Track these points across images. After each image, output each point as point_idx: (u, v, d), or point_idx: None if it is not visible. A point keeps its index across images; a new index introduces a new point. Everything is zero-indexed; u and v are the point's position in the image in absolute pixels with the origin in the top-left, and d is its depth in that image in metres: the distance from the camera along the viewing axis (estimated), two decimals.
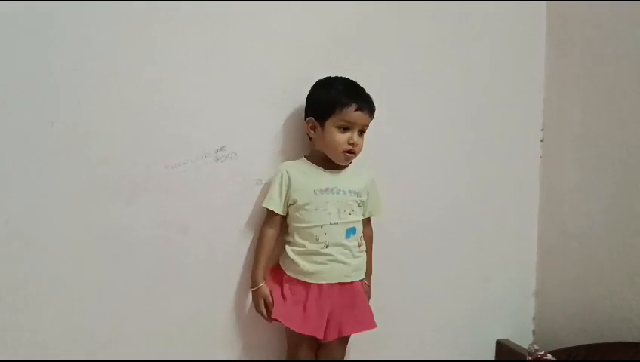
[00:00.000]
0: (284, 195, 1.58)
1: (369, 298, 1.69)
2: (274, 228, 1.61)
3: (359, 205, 1.62)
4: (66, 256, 1.51)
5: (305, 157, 1.64)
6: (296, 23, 1.70)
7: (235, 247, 1.67)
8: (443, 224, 1.97)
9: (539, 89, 2.07)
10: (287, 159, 1.66)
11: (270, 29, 1.67)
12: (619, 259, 1.76)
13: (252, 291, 1.61)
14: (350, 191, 1.59)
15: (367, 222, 1.69)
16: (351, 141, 1.55)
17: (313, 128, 1.59)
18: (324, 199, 1.56)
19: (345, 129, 1.55)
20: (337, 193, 1.58)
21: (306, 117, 1.61)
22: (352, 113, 1.53)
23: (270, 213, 1.60)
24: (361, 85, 1.61)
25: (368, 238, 1.70)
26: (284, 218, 1.62)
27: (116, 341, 1.57)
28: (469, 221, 2.01)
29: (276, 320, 1.57)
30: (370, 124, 1.61)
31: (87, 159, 1.50)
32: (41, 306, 1.49)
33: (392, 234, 1.82)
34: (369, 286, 1.70)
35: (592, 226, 1.87)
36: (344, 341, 1.64)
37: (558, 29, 2.01)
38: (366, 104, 1.56)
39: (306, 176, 1.58)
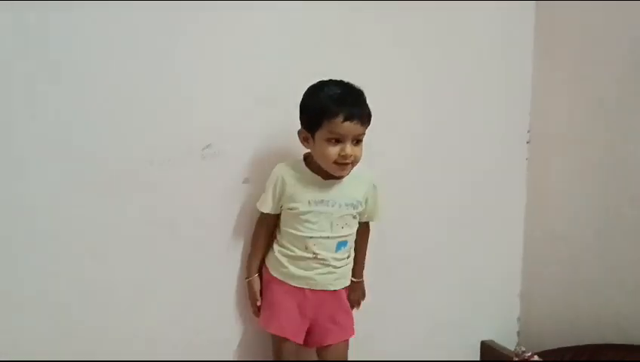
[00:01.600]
0: (277, 199, 1.53)
1: (364, 295, 1.70)
2: (268, 226, 1.59)
3: (354, 217, 1.56)
4: (48, 256, 1.45)
5: (305, 158, 1.56)
6: (286, 19, 1.67)
7: (223, 246, 1.64)
8: (428, 225, 1.96)
9: (525, 90, 2.07)
10: (276, 158, 1.61)
11: (260, 26, 1.63)
12: (605, 261, 1.77)
13: (247, 281, 1.63)
14: (347, 205, 1.53)
15: (365, 224, 1.65)
16: (342, 153, 1.42)
17: (306, 140, 1.49)
18: (317, 211, 1.50)
19: (336, 140, 1.42)
20: (333, 206, 1.51)
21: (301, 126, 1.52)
22: (341, 125, 1.39)
23: (263, 215, 1.57)
24: (356, 87, 1.48)
25: (364, 236, 1.66)
26: (277, 216, 1.58)
27: (103, 342, 1.53)
28: (454, 222, 2.01)
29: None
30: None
31: (70, 156, 1.45)
32: (23, 307, 1.44)
33: (378, 236, 1.79)
34: (361, 282, 1.69)
35: (578, 228, 1.88)
36: (344, 351, 1.62)
37: (545, 30, 2.01)
38: (356, 111, 1.41)
39: (302, 184, 1.51)
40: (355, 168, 1.55)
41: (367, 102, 1.50)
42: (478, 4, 1.93)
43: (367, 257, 1.71)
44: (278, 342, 1.58)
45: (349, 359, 1.65)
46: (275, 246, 1.58)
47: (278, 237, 1.58)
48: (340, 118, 1.39)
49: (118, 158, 1.50)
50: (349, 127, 1.41)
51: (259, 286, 1.59)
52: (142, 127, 1.52)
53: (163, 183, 1.55)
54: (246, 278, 1.62)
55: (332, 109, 1.40)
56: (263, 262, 1.61)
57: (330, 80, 1.49)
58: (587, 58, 1.87)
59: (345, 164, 1.45)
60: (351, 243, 1.59)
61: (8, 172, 1.40)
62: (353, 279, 1.65)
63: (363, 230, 1.65)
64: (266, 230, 1.59)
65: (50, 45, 1.41)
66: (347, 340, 1.62)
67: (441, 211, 1.97)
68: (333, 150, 1.42)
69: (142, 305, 1.57)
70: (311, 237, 1.51)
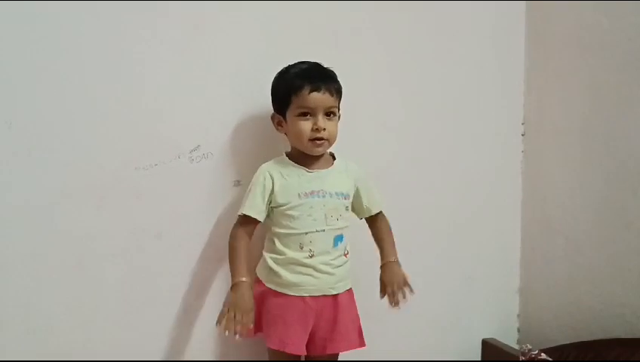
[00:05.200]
0: (267, 198, 1.44)
1: (402, 275, 1.53)
2: (249, 234, 1.45)
3: (347, 209, 1.51)
4: (28, 268, 1.39)
5: (286, 154, 1.51)
6: (271, 16, 1.61)
7: (212, 254, 1.57)
8: (424, 222, 1.91)
9: (519, 81, 2.03)
10: (267, 158, 1.55)
11: (245, 23, 1.58)
12: (607, 254, 1.73)
13: (234, 289, 1.38)
14: (337, 194, 1.48)
15: (378, 217, 1.59)
16: (315, 127, 1.41)
17: (279, 124, 1.48)
18: (309, 204, 1.44)
19: (306, 114, 1.41)
20: (323, 196, 1.45)
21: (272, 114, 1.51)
22: (307, 96, 1.39)
23: (246, 219, 1.44)
24: (324, 66, 1.47)
25: (387, 227, 1.59)
26: (257, 225, 1.46)
27: (89, 354, 1.46)
28: (450, 218, 1.96)
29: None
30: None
31: (50, 163, 1.39)
32: (6, 322, 1.38)
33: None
34: (394, 262, 1.55)
35: (577, 220, 1.84)
36: (334, 358, 1.55)
37: (538, 20, 1.97)
38: (322, 83, 1.41)
39: (289, 178, 1.45)
40: (339, 160, 1.53)
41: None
42: None
43: (362, 258, 1.63)
44: (277, 359, 1.49)
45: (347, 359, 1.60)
46: (266, 255, 1.48)
47: (269, 243, 1.49)
48: (307, 90, 1.40)
49: (101, 165, 1.45)
50: (317, 97, 1.41)
51: (251, 295, 1.38)
52: (126, 131, 1.47)
53: (149, 190, 1.50)
54: (235, 283, 1.38)
55: (298, 83, 1.41)
56: (249, 266, 1.45)
57: (296, 62, 1.47)
58: (580, 46, 1.83)
59: (319, 139, 1.42)
60: (347, 239, 1.51)
61: None
62: (389, 260, 1.55)
63: (383, 224, 1.59)
64: (247, 239, 1.44)
65: (27, 49, 1.35)
66: (335, 357, 1.55)
67: (437, 208, 1.93)
68: (306, 125, 1.42)
69: (130, 316, 1.51)
70: (306, 233, 1.43)
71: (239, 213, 1.45)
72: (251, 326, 1.36)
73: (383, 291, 1.51)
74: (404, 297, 1.50)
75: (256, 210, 1.43)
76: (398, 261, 1.56)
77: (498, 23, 1.99)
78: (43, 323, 1.42)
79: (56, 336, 1.43)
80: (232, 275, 1.41)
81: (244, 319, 1.34)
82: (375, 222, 1.60)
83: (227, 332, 1.33)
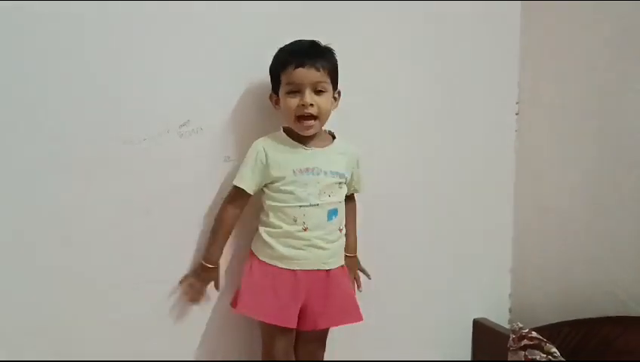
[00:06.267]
0: (257, 174, 1.45)
1: (360, 272, 1.69)
2: (239, 208, 1.49)
3: (340, 186, 1.51)
4: (18, 244, 1.38)
5: (284, 129, 1.51)
6: None
7: (202, 231, 1.55)
8: (415, 200, 1.91)
9: (513, 60, 2.01)
10: (258, 133, 1.54)
11: None
12: (600, 233, 1.74)
13: (202, 267, 1.51)
14: (332, 173, 1.48)
15: (351, 196, 1.62)
16: (301, 102, 1.40)
17: (276, 102, 1.48)
18: (303, 180, 1.44)
19: (294, 92, 1.41)
20: (318, 174, 1.46)
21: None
22: (293, 72, 1.39)
23: (237, 191, 1.47)
24: (319, 42, 1.46)
25: (352, 211, 1.64)
26: (249, 198, 1.49)
27: (71, 336, 1.45)
28: (443, 197, 1.95)
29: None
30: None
31: (36, 136, 1.37)
32: None
33: (365, 214, 1.73)
34: (354, 257, 1.66)
35: (571, 200, 1.84)
36: (323, 334, 1.56)
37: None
38: (307, 58, 1.40)
39: (285, 154, 1.46)
40: (341, 142, 1.53)
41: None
42: None
43: (359, 236, 1.67)
44: (269, 334, 1.49)
45: (335, 342, 1.61)
46: (261, 228, 1.49)
47: (263, 217, 1.50)
48: (292, 66, 1.40)
49: (89, 139, 1.42)
50: (303, 73, 1.40)
51: (217, 278, 1.54)
52: (114, 104, 1.44)
53: (138, 164, 1.48)
54: (205, 264, 1.50)
55: (285, 59, 1.42)
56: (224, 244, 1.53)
57: (294, 40, 1.47)
58: (574, 25, 1.82)
59: (307, 116, 1.42)
60: (341, 214, 1.52)
61: None
62: (346, 254, 1.59)
63: (351, 204, 1.62)
64: (235, 213, 1.49)
65: (12, 25, 1.32)
66: (325, 334, 1.57)
67: (429, 187, 1.92)
68: (293, 102, 1.42)
69: (119, 293, 1.49)
70: (300, 206, 1.44)
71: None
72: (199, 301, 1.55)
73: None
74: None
75: (246, 183, 1.45)
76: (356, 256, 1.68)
77: (492, 2, 1.95)
78: (26, 300, 1.40)
79: (39, 313, 1.41)
80: (206, 251, 1.52)
81: (194, 296, 1.54)
82: (346, 201, 1.60)
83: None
